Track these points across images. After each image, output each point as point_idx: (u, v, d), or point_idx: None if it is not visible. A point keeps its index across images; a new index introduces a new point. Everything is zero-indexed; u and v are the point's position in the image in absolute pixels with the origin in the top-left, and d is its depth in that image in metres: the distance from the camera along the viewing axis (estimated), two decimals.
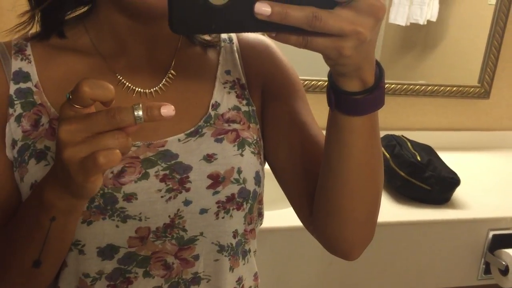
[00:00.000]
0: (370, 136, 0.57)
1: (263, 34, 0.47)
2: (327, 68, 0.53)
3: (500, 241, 1.42)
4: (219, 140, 0.67)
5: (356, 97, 0.53)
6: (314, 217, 0.68)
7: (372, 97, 0.53)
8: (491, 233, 1.41)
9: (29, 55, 0.67)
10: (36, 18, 0.66)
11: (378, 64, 0.54)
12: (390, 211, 1.39)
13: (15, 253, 0.60)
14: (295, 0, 0.44)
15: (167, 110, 0.47)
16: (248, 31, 0.46)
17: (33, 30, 0.67)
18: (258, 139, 0.71)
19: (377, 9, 0.46)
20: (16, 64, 0.66)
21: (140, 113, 0.46)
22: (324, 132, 0.63)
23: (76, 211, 0.56)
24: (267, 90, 0.73)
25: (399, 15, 1.87)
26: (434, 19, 1.86)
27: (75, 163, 0.46)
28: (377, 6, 0.45)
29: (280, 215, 1.23)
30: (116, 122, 0.46)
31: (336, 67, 0.51)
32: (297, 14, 0.43)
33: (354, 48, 0.46)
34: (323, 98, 0.57)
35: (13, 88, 0.65)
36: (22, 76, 0.66)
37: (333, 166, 0.60)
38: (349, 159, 0.58)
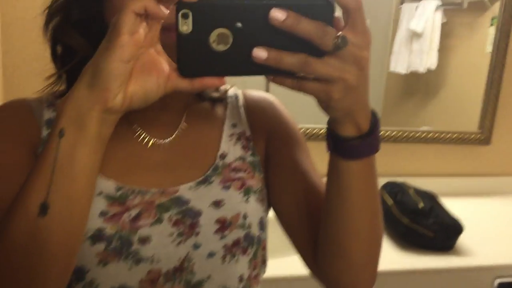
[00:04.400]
0: (367, 178, 0.60)
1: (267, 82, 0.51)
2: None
3: None
4: (226, 188, 0.70)
5: (351, 142, 0.56)
6: (318, 261, 0.70)
7: (366, 143, 0.56)
8: (497, 281, 1.39)
9: None
10: (63, 77, 0.71)
11: (374, 112, 0.57)
12: (394, 258, 1.39)
13: (20, 195, 0.53)
14: (289, 48, 0.48)
15: None
16: (247, 74, 0.51)
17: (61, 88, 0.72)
18: (262, 187, 0.74)
19: (359, 59, 0.50)
20: (49, 113, 0.70)
21: None
22: (324, 179, 0.66)
23: (86, 128, 0.51)
24: (271, 142, 0.77)
25: (399, 64, 1.92)
26: (433, 67, 1.91)
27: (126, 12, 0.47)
28: (360, 56, 0.50)
29: (284, 263, 1.22)
30: None
31: (328, 110, 0.54)
32: (290, 59, 0.48)
33: (342, 92, 0.50)
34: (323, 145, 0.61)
35: (45, 132, 0.69)
36: None
37: (333, 208, 0.62)
38: (348, 201, 0.61)
